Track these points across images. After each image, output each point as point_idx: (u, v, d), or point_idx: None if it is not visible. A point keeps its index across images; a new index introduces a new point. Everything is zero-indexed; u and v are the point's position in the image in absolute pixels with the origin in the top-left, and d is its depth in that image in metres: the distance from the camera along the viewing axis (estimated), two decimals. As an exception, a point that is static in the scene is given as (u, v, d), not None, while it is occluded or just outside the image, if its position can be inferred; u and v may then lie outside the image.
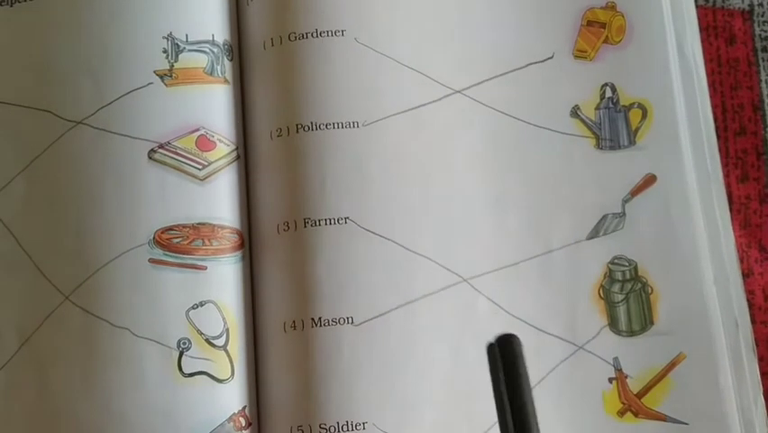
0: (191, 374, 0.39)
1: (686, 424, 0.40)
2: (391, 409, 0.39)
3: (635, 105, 0.43)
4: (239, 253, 0.41)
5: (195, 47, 0.42)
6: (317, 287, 0.40)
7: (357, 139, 0.41)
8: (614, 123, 0.43)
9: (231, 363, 0.39)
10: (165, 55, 0.41)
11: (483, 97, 0.43)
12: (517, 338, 0.37)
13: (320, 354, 0.39)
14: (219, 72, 0.42)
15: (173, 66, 0.41)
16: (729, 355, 0.41)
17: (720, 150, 0.43)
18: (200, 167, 0.41)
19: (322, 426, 0.38)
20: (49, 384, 0.39)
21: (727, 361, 0.41)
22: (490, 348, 0.38)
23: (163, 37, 0.41)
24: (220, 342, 0.39)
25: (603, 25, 0.44)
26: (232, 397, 0.39)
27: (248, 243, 0.41)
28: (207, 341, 0.39)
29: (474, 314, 0.41)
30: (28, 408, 0.39)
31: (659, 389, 0.40)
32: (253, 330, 0.41)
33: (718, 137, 0.44)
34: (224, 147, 0.41)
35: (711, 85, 0.44)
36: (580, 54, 0.44)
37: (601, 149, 0.43)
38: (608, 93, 0.43)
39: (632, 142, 0.43)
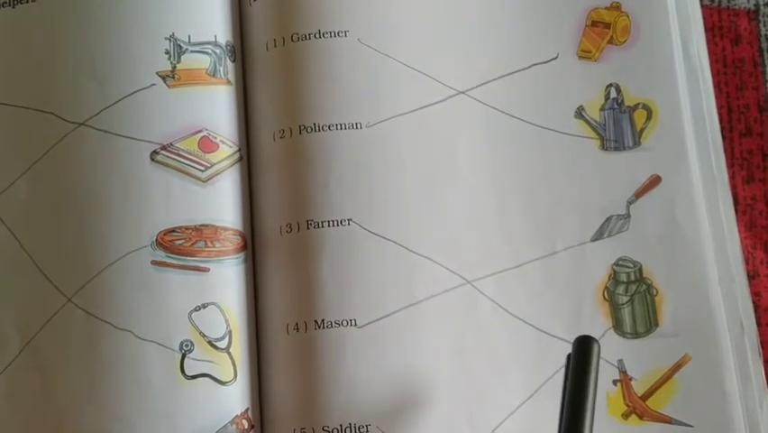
0: (194, 376, 0.39)
1: (691, 426, 0.40)
2: (394, 412, 0.39)
3: (640, 106, 0.43)
4: (242, 255, 0.41)
5: (197, 48, 0.42)
6: (320, 289, 0.39)
7: (360, 140, 0.41)
8: (619, 123, 0.43)
9: (233, 366, 0.39)
10: (168, 56, 0.41)
11: (487, 98, 0.43)
12: (597, 343, 0.35)
13: (323, 356, 0.39)
14: (222, 73, 0.42)
15: (176, 67, 0.41)
16: (735, 358, 0.40)
17: (726, 151, 0.43)
18: (203, 168, 0.40)
19: (325, 428, 0.38)
20: (51, 386, 0.39)
21: (733, 363, 0.40)
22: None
23: (166, 38, 0.41)
24: (223, 344, 0.39)
25: (608, 26, 0.44)
26: (234, 399, 0.39)
27: (251, 244, 0.41)
28: (210, 343, 0.39)
29: (478, 316, 0.40)
30: (30, 410, 0.39)
31: (664, 391, 0.40)
32: (256, 332, 0.41)
33: (724, 138, 0.44)
34: (226, 148, 0.41)
35: (717, 85, 0.44)
36: (584, 55, 0.43)
37: (606, 150, 0.43)
38: (613, 94, 0.43)
39: (637, 143, 0.43)
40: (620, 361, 0.41)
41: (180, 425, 0.38)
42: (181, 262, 0.39)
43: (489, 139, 0.42)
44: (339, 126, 0.41)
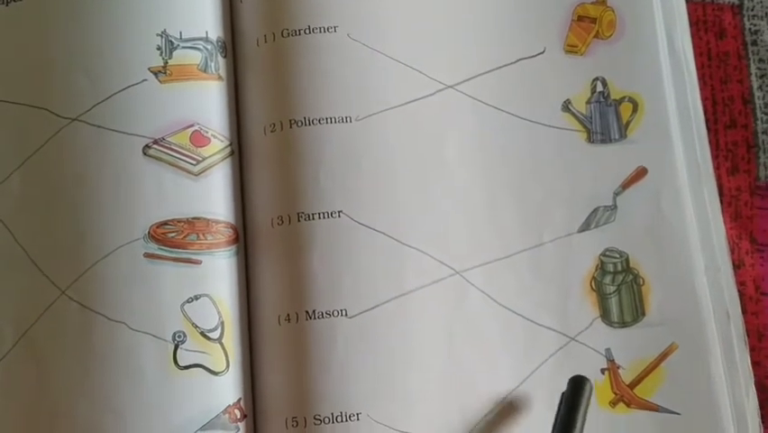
0: (186, 367, 0.39)
1: (678, 414, 0.40)
2: (385, 401, 0.39)
3: (626, 99, 0.43)
4: (233, 248, 0.41)
5: (188, 44, 0.42)
6: (311, 280, 0.40)
7: (350, 134, 0.41)
8: (605, 116, 0.43)
9: (226, 356, 0.40)
10: (159, 52, 0.42)
11: (475, 92, 0.43)
12: (589, 382, 0.39)
13: (314, 346, 0.39)
14: (213, 69, 0.42)
15: (167, 63, 0.42)
16: (721, 346, 0.41)
17: (711, 142, 0.44)
18: (194, 162, 0.41)
19: (316, 417, 0.39)
20: (46, 378, 0.39)
21: (719, 351, 0.41)
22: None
23: (157, 34, 0.42)
24: (215, 335, 0.40)
25: (594, 20, 0.44)
26: (227, 389, 0.39)
27: (242, 237, 0.42)
28: (202, 334, 0.39)
29: (467, 306, 0.41)
30: (25, 402, 0.39)
31: (651, 379, 0.41)
32: (248, 323, 0.41)
33: (709, 130, 0.44)
34: (218, 143, 0.42)
35: (701, 78, 0.45)
36: (570, 49, 0.44)
37: (592, 142, 0.43)
38: (599, 87, 0.44)
39: (623, 136, 0.43)
40: (608, 350, 0.41)
41: (173, 415, 0.38)
42: (173, 255, 0.40)
43: (477, 132, 0.43)
44: (329, 120, 0.41)
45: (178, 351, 0.39)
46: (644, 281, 0.42)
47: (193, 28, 0.42)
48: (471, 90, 0.43)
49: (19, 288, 0.40)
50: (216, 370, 0.39)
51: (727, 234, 0.43)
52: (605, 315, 0.41)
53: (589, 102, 0.43)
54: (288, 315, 0.40)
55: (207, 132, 0.41)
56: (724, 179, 0.44)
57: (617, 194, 0.42)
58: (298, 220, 0.40)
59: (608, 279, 0.42)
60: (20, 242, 0.41)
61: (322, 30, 0.42)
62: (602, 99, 0.43)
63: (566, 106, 0.43)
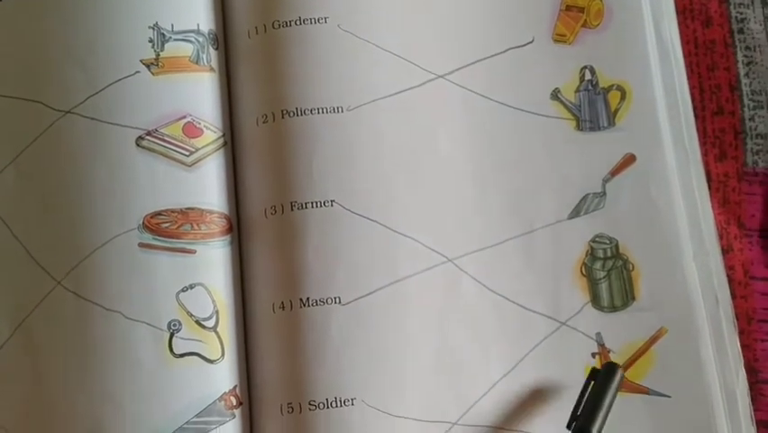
0: (182, 355, 0.39)
1: (668, 397, 0.41)
2: (379, 386, 0.39)
3: (614, 87, 0.44)
4: (227, 237, 0.41)
5: (180, 36, 0.42)
6: (305, 268, 0.40)
7: (342, 123, 0.42)
8: (593, 105, 0.44)
9: (221, 344, 0.40)
10: (151, 45, 0.42)
11: (465, 82, 0.44)
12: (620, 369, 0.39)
13: (309, 333, 0.40)
14: (205, 61, 0.43)
15: (159, 55, 0.42)
16: (710, 329, 0.41)
17: (698, 129, 0.44)
18: (187, 153, 0.41)
19: (311, 403, 0.39)
20: (42, 368, 0.40)
21: (708, 335, 0.41)
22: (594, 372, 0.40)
23: (149, 27, 0.42)
24: (210, 323, 0.40)
25: (581, 9, 0.45)
26: (222, 377, 0.40)
27: (236, 227, 0.42)
28: (197, 322, 0.40)
29: (459, 293, 0.41)
30: (22, 392, 0.40)
31: (642, 363, 0.41)
32: (243, 311, 0.42)
33: (696, 117, 0.45)
34: (210, 134, 0.42)
35: (688, 66, 0.45)
36: (559, 38, 0.44)
37: (581, 130, 0.44)
38: (588, 76, 0.44)
39: (611, 124, 0.44)
40: (598, 334, 0.41)
41: (169, 402, 0.39)
42: (168, 245, 0.40)
43: (468, 121, 0.43)
44: (321, 110, 0.42)
45: (174, 339, 0.39)
46: (633, 267, 0.42)
47: (184, 20, 0.43)
48: (461, 80, 0.44)
49: (15, 279, 0.41)
50: (212, 358, 0.40)
51: (716, 219, 0.43)
52: (595, 300, 0.42)
53: (577, 90, 0.44)
54: (283, 303, 0.40)
55: (200, 123, 0.42)
56: (712, 166, 0.45)
57: (606, 181, 0.43)
58: (292, 209, 0.41)
59: (597, 264, 0.42)
60: (15, 233, 0.41)
61: (313, 21, 0.42)
62: (591, 87, 0.44)
63: (555, 95, 0.44)
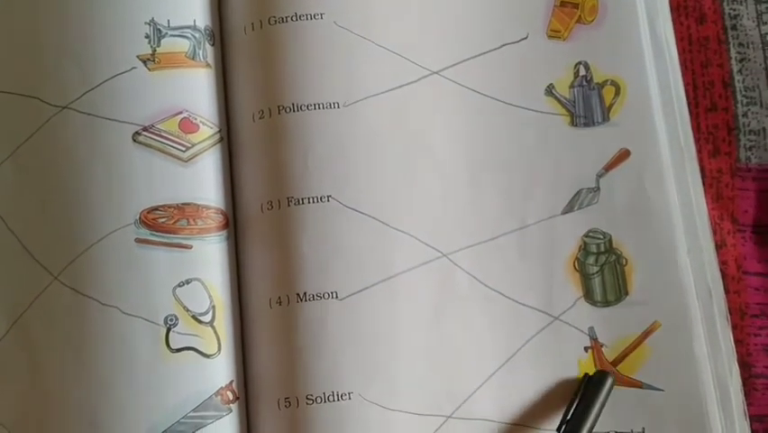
0: (179, 350, 0.39)
1: (662, 391, 0.41)
2: (375, 380, 0.40)
3: (609, 83, 0.44)
4: (224, 233, 0.42)
5: (177, 32, 0.42)
6: (301, 263, 0.40)
7: (337, 119, 0.42)
8: (588, 100, 0.44)
9: (218, 339, 0.40)
10: (148, 40, 0.42)
11: (460, 78, 0.44)
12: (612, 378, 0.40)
13: (305, 328, 0.40)
14: (201, 56, 0.43)
15: (156, 51, 0.42)
16: (704, 324, 0.42)
17: (692, 125, 0.45)
18: (184, 149, 0.41)
19: (308, 397, 0.39)
20: (39, 363, 0.40)
21: (702, 329, 0.42)
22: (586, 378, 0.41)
23: (145, 23, 0.42)
24: (206, 318, 0.40)
25: (576, 5, 0.45)
26: (219, 371, 0.40)
27: (233, 222, 0.42)
28: (194, 317, 0.40)
29: (454, 288, 0.42)
30: (19, 387, 0.40)
31: (635, 357, 0.41)
32: (240, 306, 0.42)
33: (690, 113, 0.45)
34: (207, 129, 0.42)
35: (682, 63, 0.45)
36: (553, 34, 0.45)
37: (576, 126, 0.44)
38: (582, 71, 0.44)
39: (606, 119, 0.44)
40: (591, 328, 0.42)
41: (166, 397, 0.39)
42: (164, 240, 0.40)
43: (463, 117, 0.43)
44: (317, 106, 0.42)
45: (171, 334, 0.40)
46: (626, 262, 0.42)
47: (181, 16, 0.43)
48: (456, 76, 0.44)
49: (11, 274, 0.41)
50: (208, 353, 0.40)
51: (709, 214, 0.44)
52: (588, 295, 0.42)
53: (572, 86, 0.44)
54: (279, 298, 0.40)
55: (196, 118, 0.42)
56: (705, 162, 0.45)
57: (600, 176, 0.43)
58: (288, 205, 0.41)
59: (591, 259, 0.42)
60: (12, 229, 0.41)
61: (308, 17, 0.42)
62: (585, 83, 0.44)
63: (549, 91, 0.44)
